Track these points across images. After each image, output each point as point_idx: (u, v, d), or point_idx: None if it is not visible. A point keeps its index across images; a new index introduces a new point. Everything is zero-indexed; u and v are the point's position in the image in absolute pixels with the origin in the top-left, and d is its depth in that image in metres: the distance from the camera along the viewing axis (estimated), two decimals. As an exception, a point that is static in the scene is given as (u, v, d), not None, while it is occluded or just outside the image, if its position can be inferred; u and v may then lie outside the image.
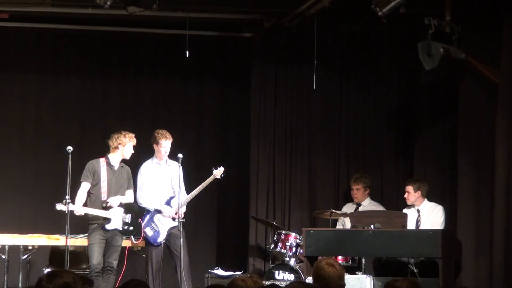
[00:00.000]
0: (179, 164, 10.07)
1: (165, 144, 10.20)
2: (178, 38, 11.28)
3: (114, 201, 9.80)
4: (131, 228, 9.95)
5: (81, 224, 10.06)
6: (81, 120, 11.78)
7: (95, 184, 9.83)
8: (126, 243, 10.58)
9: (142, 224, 10.20)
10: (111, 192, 9.83)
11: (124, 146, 9.91)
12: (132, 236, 10.13)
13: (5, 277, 10.34)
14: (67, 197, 9.64)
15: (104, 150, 11.77)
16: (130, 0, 9.39)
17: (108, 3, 9.23)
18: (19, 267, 10.35)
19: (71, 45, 11.76)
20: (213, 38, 12.02)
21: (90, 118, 11.80)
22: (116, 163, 9.93)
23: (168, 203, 10.28)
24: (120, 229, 9.85)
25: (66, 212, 9.56)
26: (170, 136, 10.24)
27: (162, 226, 10.21)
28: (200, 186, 10.27)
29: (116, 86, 11.94)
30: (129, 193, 10.05)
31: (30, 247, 10.30)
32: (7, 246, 10.25)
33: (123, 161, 10.03)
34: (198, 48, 11.58)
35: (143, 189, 10.29)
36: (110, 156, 9.96)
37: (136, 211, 10.04)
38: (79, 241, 10.44)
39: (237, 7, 11.24)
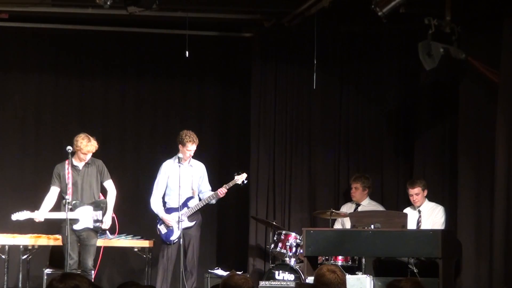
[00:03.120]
0: (180, 164, 10.09)
1: (191, 148, 10.25)
2: (178, 38, 11.27)
3: (108, 219, 9.88)
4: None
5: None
6: (81, 120, 11.77)
7: (63, 186, 9.84)
8: (127, 243, 10.61)
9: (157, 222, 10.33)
10: (77, 193, 9.81)
11: (79, 150, 9.86)
12: (107, 232, 10.13)
13: (5, 277, 10.34)
14: (67, 197, 9.66)
15: (103, 150, 11.81)
16: (130, 0, 9.38)
17: (108, 3, 9.23)
18: (19, 267, 10.36)
19: (71, 45, 11.76)
20: (213, 38, 12.02)
21: (90, 118, 11.80)
22: (79, 164, 9.91)
23: (185, 203, 10.27)
24: (91, 227, 9.83)
25: (66, 212, 9.59)
26: (197, 140, 10.26)
27: (176, 224, 10.21)
28: (215, 192, 10.33)
29: (116, 86, 11.94)
30: (108, 183, 10.04)
31: (30, 247, 10.31)
32: (7, 246, 10.27)
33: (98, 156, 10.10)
34: (198, 48, 11.58)
35: (157, 188, 10.36)
36: (73, 158, 9.92)
37: (105, 207, 10.02)
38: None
39: (237, 7, 11.24)
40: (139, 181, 11.55)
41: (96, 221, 9.86)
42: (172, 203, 10.32)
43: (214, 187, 10.46)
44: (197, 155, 10.80)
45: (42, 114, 11.72)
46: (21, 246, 10.27)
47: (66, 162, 9.88)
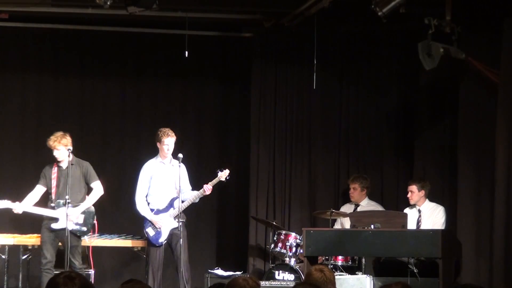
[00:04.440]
0: (180, 164, 10.06)
1: (167, 141, 10.16)
2: (178, 38, 11.27)
3: (74, 213, 9.80)
4: (84, 228, 9.88)
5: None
6: (81, 120, 11.77)
7: (49, 187, 9.88)
8: (126, 243, 10.61)
9: (144, 224, 10.26)
10: (59, 191, 9.82)
11: (52, 149, 9.89)
12: (85, 236, 10.01)
13: (5, 277, 10.34)
14: (67, 197, 9.65)
15: (103, 150, 11.81)
16: (130, 0, 9.39)
17: (108, 3, 9.23)
18: (19, 267, 10.36)
19: (71, 45, 11.76)
20: (213, 38, 12.02)
21: (90, 118, 11.80)
22: (62, 164, 9.92)
23: (171, 203, 10.25)
24: (70, 228, 9.73)
25: (66, 211, 9.59)
26: (173, 134, 10.20)
27: (163, 226, 10.20)
28: (202, 190, 10.26)
29: (116, 86, 11.94)
30: (95, 184, 9.99)
31: (30, 247, 10.31)
32: (7, 246, 10.26)
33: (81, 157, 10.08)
34: (198, 48, 11.58)
35: (141, 189, 10.29)
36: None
37: (90, 210, 9.95)
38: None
39: (237, 7, 11.24)
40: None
41: (76, 224, 9.80)
42: (156, 204, 10.28)
43: (215, 187, 10.43)
44: (197, 155, 10.80)
45: (42, 114, 11.72)
46: (21, 246, 10.27)
47: (54, 163, 9.92)
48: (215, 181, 10.24)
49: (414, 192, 10.36)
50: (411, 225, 10.04)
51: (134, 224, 11.12)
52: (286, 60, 11.66)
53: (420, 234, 9.57)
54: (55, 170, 9.92)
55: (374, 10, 9.34)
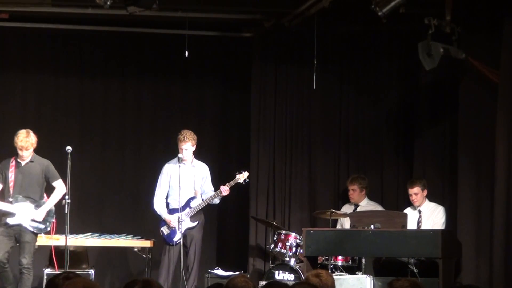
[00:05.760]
0: (179, 164, 10.08)
1: (184, 146, 10.21)
2: (178, 38, 11.28)
3: (40, 214, 9.65)
4: (41, 226, 9.69)
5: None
6: (81, 120, 11.77)
7: (6, 183, 9.73)
8: (127, 243, 10.60)
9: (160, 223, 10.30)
10: (17, 187, 9.65)
11: (16, 145, 9.76)
12: (43, 234, 9.84)
13: (5, 277, 10.32)
14: (66, 197, 9.63)
15: (103, 150, 11.78)
16: (130, 0, 9.39)
17: (108, 3, 9.24)
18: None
19: (71, 45, 11.76)
20: (213, 38, 12.02)
21: (90, 118, 11.80)
22: (21, 161, 9.78)
23: (188, 203, 10.25)
24: (27, 226, 9.62)
25: (66, 212, 9.57)
26: (191, 138, 10.20)
27: (178, 225, 10.19)
28: (218, 190, 10.28)
29: (116, 86, 11.94)
30: (57, 183, 9.81)
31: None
32: (7, 246, 10.24)
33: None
34: (198, 48, 11.59)
35: (159, 189, 10.36)
36: (18, 154, 9.84)
37: (50, 209, 9.75)
38: (79, 241, 10.44)
39: (237, 7, 11.24)
40: (139, 181, 11.56)
41: (34, 221, 9.65)
42: (175, 203, 10.30)
43: (215, 187, 10.45)
44: (197, 155, 10.81)
45: (42, 114, 11.72)
46: (21, 246, 10.25)
47: (12, 159, 9.78)
48: (232, 182, 10.27)
49: (419, 193, 10.35)
50: (412, 225, 10.04)
51: (134, 224, 11.13)
52: (286, 60, 11.66)
53: (420, 234, 9.57)
54: (13, 164, 9.74)
55: (374, 10, 9.34)
